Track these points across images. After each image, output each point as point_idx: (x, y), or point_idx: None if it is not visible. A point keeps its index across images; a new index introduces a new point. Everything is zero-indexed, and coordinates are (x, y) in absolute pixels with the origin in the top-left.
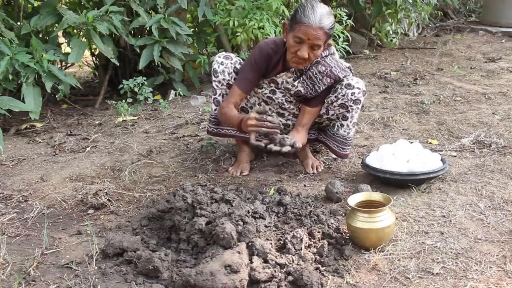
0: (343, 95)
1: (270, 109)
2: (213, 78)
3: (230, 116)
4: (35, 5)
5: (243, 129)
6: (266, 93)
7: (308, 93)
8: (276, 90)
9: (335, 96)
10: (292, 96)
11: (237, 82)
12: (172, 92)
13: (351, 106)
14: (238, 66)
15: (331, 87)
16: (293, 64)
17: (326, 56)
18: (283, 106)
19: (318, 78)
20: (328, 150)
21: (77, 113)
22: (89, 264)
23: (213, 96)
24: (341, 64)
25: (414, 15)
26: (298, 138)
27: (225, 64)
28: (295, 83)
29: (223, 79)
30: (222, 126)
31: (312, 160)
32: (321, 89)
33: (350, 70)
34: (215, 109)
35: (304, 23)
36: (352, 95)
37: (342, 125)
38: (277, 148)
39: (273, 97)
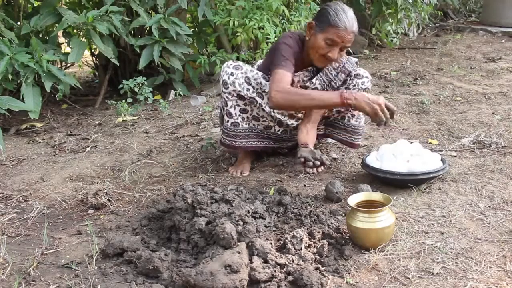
0: (354, 85)
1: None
2: (223, 89)
3: (313, 92)
4: (35, 5)
5: (343, 99)
6: None
7: (325, 89)
8: None
9: (346, 87)
10: None
11: (282, 66)
12: (172, 92)
13: None
14: (249, 75)
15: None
16: (318, 63)
17: None
18: None
19: (333, 75)
20: (338, 144)
21: (77, 113)
22: (89, 264)
23: (225, 108)
24: (351, 60)
25: (414, 15)
26: (308, 139)
27: (235, 75)
28: (313, 81)
29: (234, 90)
30: (235, 138)
31: None
32: (337, 85)
33: (357, 65)
34: (228, 121)
35: (340, 27)
36: (362, 84)
37: (353, 115)
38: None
39: None
